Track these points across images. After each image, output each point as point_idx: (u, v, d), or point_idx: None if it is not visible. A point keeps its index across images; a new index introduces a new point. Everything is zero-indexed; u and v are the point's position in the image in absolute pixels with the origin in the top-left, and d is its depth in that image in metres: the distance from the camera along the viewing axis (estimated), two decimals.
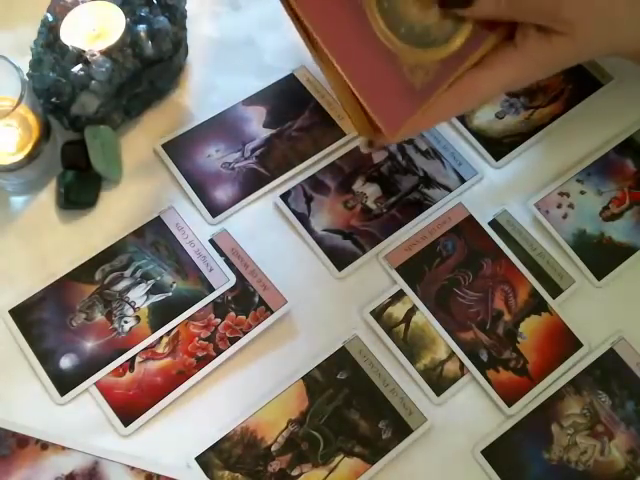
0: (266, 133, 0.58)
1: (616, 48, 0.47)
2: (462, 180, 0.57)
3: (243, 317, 0.51)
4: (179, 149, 0.57)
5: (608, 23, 0.44)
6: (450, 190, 0.56)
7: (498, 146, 0.58)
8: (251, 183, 0.56)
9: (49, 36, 0.54)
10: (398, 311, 0.52)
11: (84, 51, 0.52)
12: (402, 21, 0.41)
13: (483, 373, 0.50)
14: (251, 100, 0.59)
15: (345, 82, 0.43)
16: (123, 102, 0.55)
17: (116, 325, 0.50)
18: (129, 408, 0.48)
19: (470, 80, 0.43)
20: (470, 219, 0.55)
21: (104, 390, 0.48)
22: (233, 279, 0.52)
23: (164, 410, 0.48)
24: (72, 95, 0.52)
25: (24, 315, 0.50)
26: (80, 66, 0.52)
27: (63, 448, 0.46)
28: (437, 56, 0.42)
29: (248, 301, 0.52)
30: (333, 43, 0.42)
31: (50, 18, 0.54)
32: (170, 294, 0.52)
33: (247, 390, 0.49)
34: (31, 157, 0.52)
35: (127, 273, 0.52)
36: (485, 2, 0.41)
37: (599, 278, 0.54)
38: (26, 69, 0.54)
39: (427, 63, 0.42)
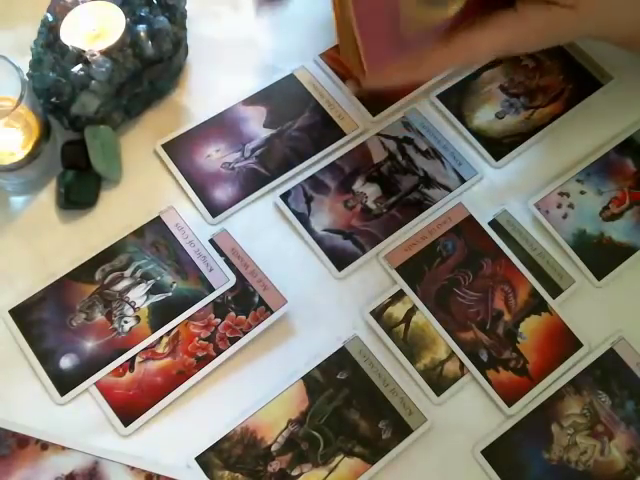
0: (266, 133, 0.58)
1: (612, 29, 0.47)
2: (462, 180, 0.57)
3: (243, 317, 0.51)
4: (179, 149, 0.57)
5: (610, 2, 0.44)
6: (450, 190, 0.56)
7: (498, 146, 0.58)
8: (251, 183, 0.56)
9: (49, 36, 0.54)
10: (398, 311, 0.52)
11: (84, 51, 0.52)
12: None
13: (483, 373, 0.50)
14: (251, 100, 0.59)
15: (348, 17, 0.43)
16: (123, 102, 0.55)
17: (116, 325, 0.50)
18: (129, 408, 0.48)
19: (466, 37, 0.44)
20: (470, 219, 0.55)
21: (104, 390, 0.48)
22: (233, 279, 0.52)
23: (164, 410, 0.48)
24: (72, 95, 0.52)
25: (24, 315, 0.50)
26: (80, 66, 0.52)
27: (63, 448, 0.46)
28: (434, 17, 0.43)
29: (248, 301, 0.52)
30: None
31: (50, 18, 0.54)
32: (170, 294, 0.52)
33: (247, 390, 0.49)
34: (31, 157, 0.52)
35: (127, 273, 0.52)
36: None
37: (599, 278, 0.54)
38: (26, 69, 0.54)
39: (423, 21, 0.43)
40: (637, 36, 0.49)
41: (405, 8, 0.42)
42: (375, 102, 0.59)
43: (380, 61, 0.44)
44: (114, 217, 0.54)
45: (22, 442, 0.46)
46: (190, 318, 0.51)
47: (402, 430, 0.48)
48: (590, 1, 0.43)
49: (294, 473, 0.47)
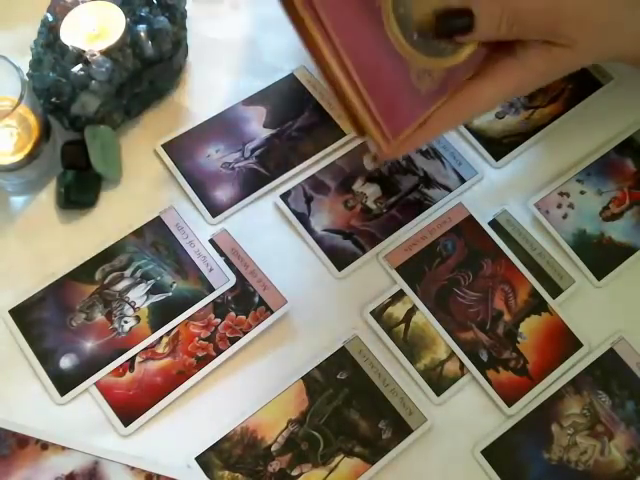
0: (266, 133, 0.58)
1: (616, 54, 0.48)
2: (462, 180, 0.57)
3: (243, 317, 0.51)
4: (179, 149, 0.57)
5: (607, 33, 0.45)
6: (450, 190, 0.56)
7: (498, 146, 0.58)
8: (251, 183, 0.56)
9: (49, 36, 0.54)
10: (398, 311, 0.52)
11: (84, 51, 0.52)
12: (415, 29, 0.41)
13: (483, 373, 0.50)
14: (251, 100, 0.59)
15: (347, 87, 0.42)
16: (123, 102, 0.55)
17: (116, 325, 0.50)
18: (129, 408, 0.48)
19: (470, 90, 0.44)
20: (470, 219, 0.55)
21: (104, 390, 0.48)
22: (233, 279, 0.52)
23: (164, 410, 0.48)
24: (72, 95, 0.52)
25: (24, 315, 0.50)
26: (80, 66, 0.52)
27: (63, 448, 0.46)
28: (445, 65, 0.43)
29: (248, 301, 0.52)
30: (346, 42, 0.41)
31: (50, 18, 0.54)
32: (170, 294, 0.52)
33: (247, 390, 0.49)
34: (31, 157, 0.52)
35: (127, 273, 0.52)
36: (485, 28, 0.41)
37: (599, 278, 0.54)
38: (26, 69, 0.54)
39: (434, 70, 0.42)
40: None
41: (413, 62, 0.42)
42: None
43: (404, 121, 0.43)
44: (114, 217, 0.54)
45: (22, 442, 0.46)
46: (190, 318, 0.51)
47: (402, 430, 0.48)
48: (587, 39, 0.43)
49: (294, 473, 0.47)
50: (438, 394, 0.50)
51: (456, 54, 0.43)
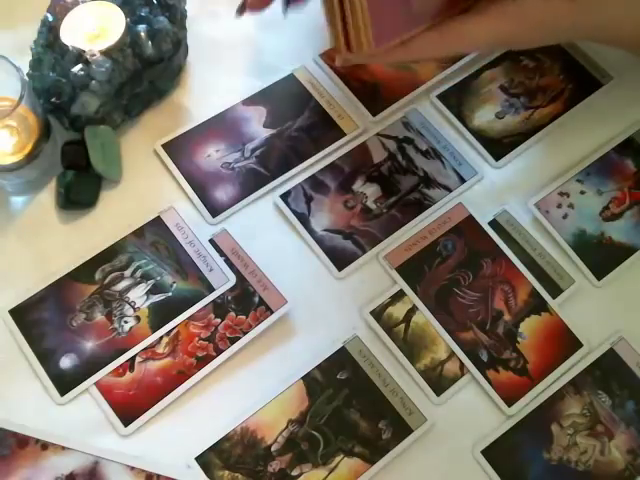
0: (266, 133, 0.58)
1: (610, 27, 0.47)
2: (462, 180, 0.57)
3: (243, 317, 0.51)
4: (179, 149, 0.57)
5: None
6: (450, 190, 0.56)
7: (498, 146, 0.58)
8: (251, 183, 0.56)
9: (49, 36, 0.54)
10: (398, 311, 0.52)
11: (84, 51, 0.52)
12: None
13: (483, 373, 0.50)
14: (251, 100, 0.59)
15: None
16: (123, 102, 0.55)
17: (116, 325, 0.50)
18: (129, 408, 0.48)
19: (461, 22, 0.43)
20: (470, 219, 0.55)
21: (104, 390, 0.48)
22: (233, 279, 0.52)
23: (164, 410, 0.48)
24: (72, 95, 0.52)
25: (24, 315, 0.50)
26: (80, 66, 0.52)
27: (63, 448, 0.46)
28: None
29: (248, 301, 0.52)
30: None
31: (50, 18, 0.54)
32: (170, 294, 0.52)
33: (247, 390, 0.49)
34: (31, 157, 0.52)
35: (127, 273, 0.52)
36: None
37: (599, 278, 0.54)
38: (26, 69, 0.54)
39: None
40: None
41: None
42: (375, 101, 0.59)
43: (387, 36, 0.42)
44: (114, 217, 0.54)
45: (22, 442, 0.46)
46: (190, 318, 0.51)
47: (402, 430, 0.48)
48: None
49: (294, 473, 0.47)
50: (438, 394, 0.50)
51: None
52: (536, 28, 0.44)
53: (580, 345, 0.51)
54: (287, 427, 0.48)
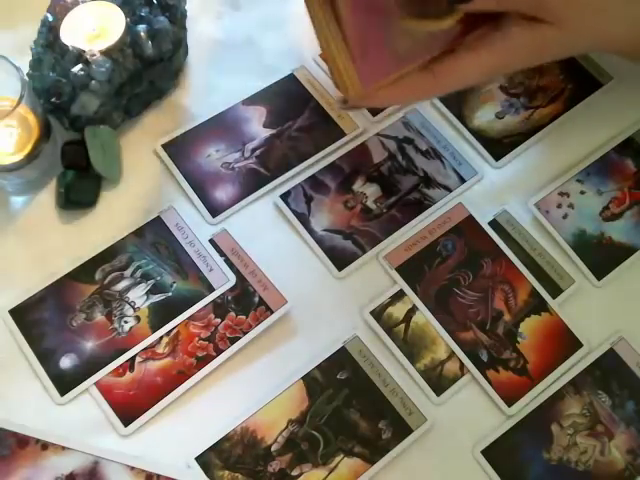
0: (266, 133, 0.58)
1: (604, 43, 0.46)
2: (462, 180, 0.57)
3: (243, 317, 0.51)
4: (179, 149, 0.57)
5: (594, 14, 0.43)
6: (450, 190, 0.56)
7: (498, 146, 0.58)
8: (251, 183, 0.56)
9: (49, 36, 0.54)
10: (398, 311, 0.52)
11: (84, 51, 0.52)
12: None
13: (483, 373, 0.50)
14: (251, 100, 0.59)
15: (336, 33, 0.43)
16: (123, 102, 0.55)
17: (116, 325, 0.50)
18: (129, 408, 0.48)
19: (451, 61, 0.43)
20: (470, 219, 0.55)
21: (104, 390, 0.48)
22: (233, 279, 0.52)
23: (164, 410, 0.48)
24: (72, 95, 0.52)
25: (24, 315, 0.50)
26: (80, 66, 0.52)
27: (63, 448, 0.46)
28: (427, 28, 0.42)
29: (248, 301, 0.52)
30: None
31: (50, 18, 0.54)
32: (170, 294, 0.52)
33: (247, 390, 0.49)
34: (31, 157, 0.52)
35: (127, 273, 0.52)
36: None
37: (599, 278, 0.54)
38: (26, 69, 0.54)
39: (416, 32, 0.42)
40: (636, 49, 0.48)
41: (397, 20, 0.42)
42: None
43: (375, 75, 0.43)
44: (114, 217, 0.54)
45: (22, 442, 0.46)
46: (190, 318, 0.51)
47: (402, 430, 0.48)
48: (574, 18, 0.42)
49: (294, 473, 0.47)
50: (438, 394, 0.50)
51: (439, 20, 0.42)
52: (525, 56, 0.44)
53: (580, 345, 0.51)
54: (287, 427, 0.48)
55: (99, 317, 0.51)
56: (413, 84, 0.43)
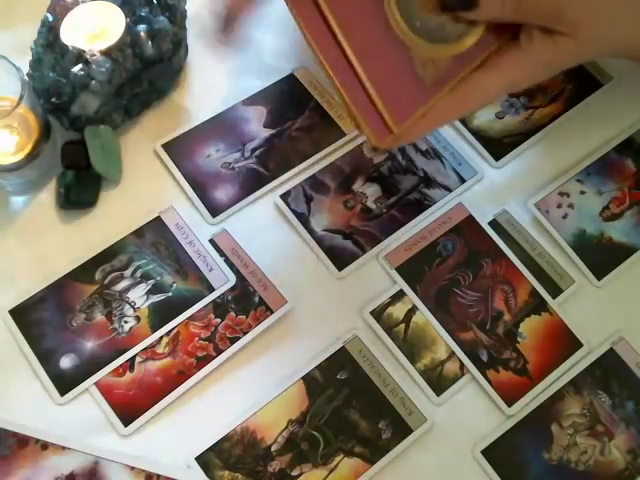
0: (266, 133, 0.58)
1: (617, 49, 0.47)
2: (462, 180, 0.57)
3: (243, 317, 0.51)
4: (179, 149, 0.57)
5: (609, 23, 0.44)
6: (450, 190, 0.56)
7: (498, 146, 0.58)
8: (251, 183, 0.56)
9: (49, 36, 0.54)
10: (398, 311, 0.52)
11: (84, 51, 0.52)
12: (418, 15, 0.41)
13: (483, 373, 0.50)
14: (251, 100, 0.59)
15: (351, 81, 0.42)
16: (123, 102, 0.55)
17: (116, 325, 0.50)
18: (129, 408, 0.48)
19: (474, 81, 0.44)
20: (470, 219, 0.55)
21: (104, 390, 0.48)
22: (233, 279, 0.52)
23: (164, 410, 0.48)
24: (72, 95, 0.52)
25: (24, 315, 0.50)
26: (80, 66, 0.52)
27: (63, 448, 0.46)
28: (449, 52, 0.42)
29: (248, 301, 0.52)
30: (348, 33, 0.41)
31: (50, 18, 0.54)
32: (170, 294, 0.52)
33: (247, 390, 0.49)
34: (31, 157, 0.52)
35: (127, 273, 0.52)
36: (489, 6, 0.41)
37: (599, 278, 0.54)
38: (26, 69, 0.54)
39: (438, 59, 0.42)
40: None
41: (417, 51, 0.42)
42: None
43: (408, 111, 0.42)
44: (114, 217, 0.54)
45: (22, 442, 0.46)
46: (190, 318, 0.51)
47: (402, 430, 0.48)
48: (588, 26, 0.43)
49: (294, 473, 0.47)
50: (438, 394, 0.50)
51: (460, 42, 0.42)
52: (545, 68, 0.45)
53: (580, 345, 0.51)
54: (287, 427, 0.48)
55: (99, 317, 0.51)
56: (440, 110, 0.44)
